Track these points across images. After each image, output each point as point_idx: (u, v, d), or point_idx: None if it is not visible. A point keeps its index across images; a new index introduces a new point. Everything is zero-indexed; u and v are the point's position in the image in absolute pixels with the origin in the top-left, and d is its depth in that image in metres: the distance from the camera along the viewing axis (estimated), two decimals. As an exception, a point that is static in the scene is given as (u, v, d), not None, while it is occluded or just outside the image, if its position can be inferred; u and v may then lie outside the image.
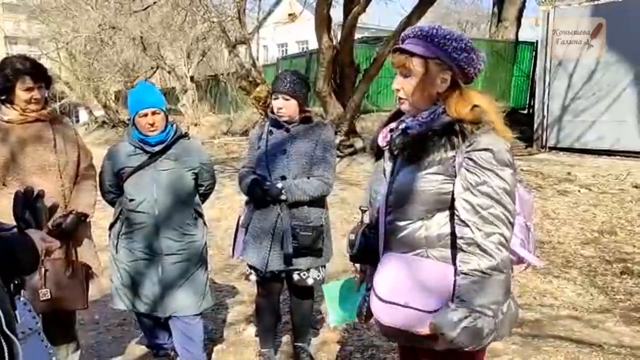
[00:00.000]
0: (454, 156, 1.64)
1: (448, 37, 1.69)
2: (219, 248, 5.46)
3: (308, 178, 2.87)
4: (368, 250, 1.86)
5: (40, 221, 1.52)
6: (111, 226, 2.99)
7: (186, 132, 2.98)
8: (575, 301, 3.95)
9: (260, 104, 11.58)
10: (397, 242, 1.76)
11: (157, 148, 2.84)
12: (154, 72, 21.30)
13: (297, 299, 3.11)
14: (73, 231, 2.73)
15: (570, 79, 10.71)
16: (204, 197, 3.12)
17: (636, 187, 7.41)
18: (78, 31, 19.27)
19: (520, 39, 15.11)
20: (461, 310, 1.60)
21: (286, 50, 28.31)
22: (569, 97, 10.82)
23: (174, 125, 2.90)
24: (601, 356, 3.12)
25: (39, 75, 2.69)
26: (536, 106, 11.57)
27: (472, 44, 1.72)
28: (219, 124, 17.50)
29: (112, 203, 3.04)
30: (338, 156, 8.71)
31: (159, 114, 2.82)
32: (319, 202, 2.92)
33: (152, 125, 2.80)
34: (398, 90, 1.77)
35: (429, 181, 1.67)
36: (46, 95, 2.80)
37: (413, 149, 1.70)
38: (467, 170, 1.62)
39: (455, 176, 1.65)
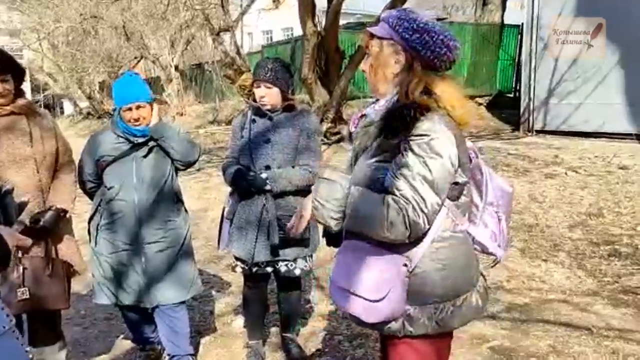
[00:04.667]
0: (399, 142, 1.62)
1: (402, 17, 1.69)
2: (206, 239, 5.41)
3: (293, 167, 2.83)
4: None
5: (10, 217, 1.48)
6: (90, 218, 2.92)
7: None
8: (564, 285, 3.96)
9: (246, 92, 11.45)
10: None
11: (141, 140, 2.79)
12: (138, 61, 21.04)
13: (284, 289, 3.07)
14: (52, 228, 2.66)
15: (556, 62, 10.71)
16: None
17: (622, 168, 7.45)
18: (59, 21, 19.00)
19: (506, 22, 15.08)
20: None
21: (271, 37, 28.06)
22: (555, 80, 10.82)
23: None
24: (590, 340, 3.13)
25: (6, 66, 2.58)
26: (522, 89, 11.57)
27: (429, 27, 1.68)
28: (204, 113, 17.33)
29: (90, 194, 2.97)
30: (325, 143, 8.63)
31: (143, 107, 2.76)
32: (304, 191, 2.85)
33: (136, 120, 2.75)
34: (364, 71, 1.80)
35: (377, 169, 1.66)
36: (22, 87, 2.71)
37: (362, 138, 1.72)
38: (401, 154, 1.61)
39: None
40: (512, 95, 13.90)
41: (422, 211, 1.57)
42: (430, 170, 1.57)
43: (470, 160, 1.78)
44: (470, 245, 1.78)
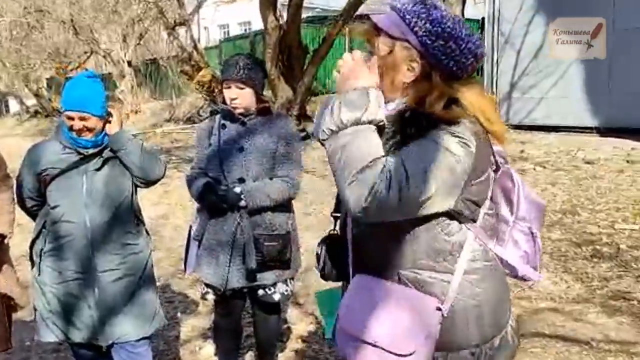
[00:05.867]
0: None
1: (423, 15, 1.33)
2: (168, 250, 4.99)
3: (270, 179, 2.49)
4: (338, 266, 1.55)
5: None
6: (32, 243, 2.49)
7: None
8: (552, 291, 3.77)
9: (205, 88, 11.03)
10: (365, 259, 1.46)
11: (91, 150, 2.38)
12: (88, 57, 20.15)
13: (262, 315, 2.72)
14: None
15: (518, 55, 10.71)
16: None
17: (588, 163, 7.45)
18: (1, 15, 18.02)
19: (466, 16, 15.08)
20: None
21: (228, 31, 27.36)
22: (517, 73, 10.84)
23: None
24: (592, 355, 2.93)
25: None
26: (485, 83, 11.53)
27: (456, 32, 1.33)
28: (161, 110, 16.68)
29: (33, 214, 2.54)
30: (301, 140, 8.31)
31: (89, 119, 2.33)
32: (284, 206, 2.55)
33: (78, 131, 2.34)
34: None
35: None
36: None
37: None
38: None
39: None
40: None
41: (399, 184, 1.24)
42: (435, 161, 1.28)
43: (498, 168, 1.50)
44: (503, 273, 1.50)
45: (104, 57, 17.96)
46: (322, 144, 1.34)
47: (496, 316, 1.44)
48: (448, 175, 1.28)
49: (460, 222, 1.38)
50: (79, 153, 2.38)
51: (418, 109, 1.33)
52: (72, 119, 2.32)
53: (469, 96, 1.34)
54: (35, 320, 2.54)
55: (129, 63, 17.56)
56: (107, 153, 2.42)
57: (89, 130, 2.34)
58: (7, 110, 29.75)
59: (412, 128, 1.31)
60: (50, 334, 2.48)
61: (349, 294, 1.47)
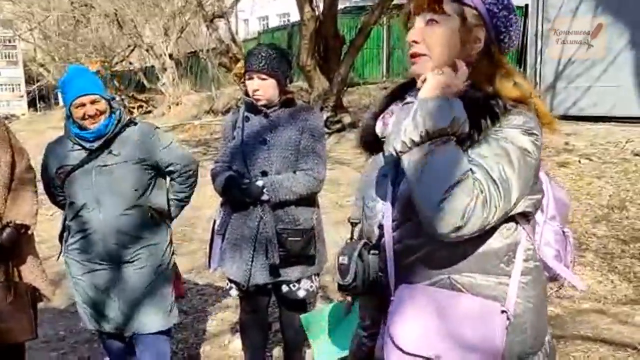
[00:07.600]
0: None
1: None
2: (201, 241, 5.02)
3: (294, 173, 2.42)
4: (367, 278, 1.38)
5: None
6: (61, 236, 2.55)
7: (131, 119, 2.54)
8: (597, 291, 3.58)
9: (242, 80, 11.05)
10: (410, 266, 1.30)
11: (96, 144, 2.38)
12: (132, 50, 20.59)
13: (287, 312, 2.67)
14: (12, 247, 2.33)
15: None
16: (183, 198, 2.67)
17: (638, 155, 7.08)
18: (49, 10, 18.61)
19: (510, 3, 14.63)
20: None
21: (267, 23, 27.47)
22: (562, 62, 10.42)
23: (117, 112, 2.43)
24: (639, 361, 2.76)
25: None
26: (528, 72, 11.14)
27: (512, 4, 1.29)
28: (201, 102, 16.90)
29: (63, 206, 2.59)
30: (325, 133, 8.23)
31: (99, 101, 2.36)
32: (308, 200, 2.47)
33: (93, 116, 2.34)
34: (415, 42, 1.28)
35: None
36: None
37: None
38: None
39: None
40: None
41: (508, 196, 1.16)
42: (518, 168, 1.19)
43: None
44: (544, 274, 1.40)
45: (147, 50, 18.30)
46: (399, 157, 1.21)
47: (544, 320, 1.34)
48: (527, 178, 1.20)
49: (517, 222, 1.27)
50: (85, 149, 2.39)
51: (487, 93, 1.22)
52: (83, 105, 2.33)
53: (520, 80, 1.25)
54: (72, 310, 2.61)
55: (171, 56, 17.82)
56: (115, 147, 2.41)
57: (102, 112, 2.36)
58: (57, 103, 30.95)
59: (487, 118, 1.19)
60: (91, 322, 2.54)
61: (397, 306, 1.30)
